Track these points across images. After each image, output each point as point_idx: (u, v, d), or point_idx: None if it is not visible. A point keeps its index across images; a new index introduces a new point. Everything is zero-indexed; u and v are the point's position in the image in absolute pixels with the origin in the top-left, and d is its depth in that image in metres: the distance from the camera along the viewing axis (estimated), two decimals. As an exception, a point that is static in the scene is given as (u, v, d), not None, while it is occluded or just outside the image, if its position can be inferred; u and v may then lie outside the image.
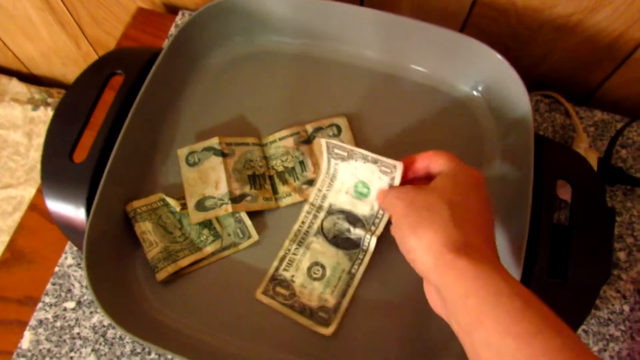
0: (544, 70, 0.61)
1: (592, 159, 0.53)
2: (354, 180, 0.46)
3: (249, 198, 0.46)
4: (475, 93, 0.52)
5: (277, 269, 0.45)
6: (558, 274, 0.42)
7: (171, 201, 0.46)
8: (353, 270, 0.45)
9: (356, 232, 0.46)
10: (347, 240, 0.46)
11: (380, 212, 0.45)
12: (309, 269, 0.45)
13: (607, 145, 0.54)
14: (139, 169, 0.48)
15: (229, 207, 0.45)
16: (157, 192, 0.47)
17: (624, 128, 0.53)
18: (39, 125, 0.98)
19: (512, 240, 0.43)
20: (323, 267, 0.45)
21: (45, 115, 0.98)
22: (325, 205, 0.47)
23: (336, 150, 0.45)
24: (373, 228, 0.45)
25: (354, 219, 0.46)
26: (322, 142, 0.45)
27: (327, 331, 0.43)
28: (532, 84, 0.62)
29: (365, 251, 0.45)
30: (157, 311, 0.44)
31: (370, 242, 0.45)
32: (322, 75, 0.53)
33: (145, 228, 0.45)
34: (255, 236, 0.46)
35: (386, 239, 0.46)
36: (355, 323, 0.44)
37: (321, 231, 0.46)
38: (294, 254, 0.46)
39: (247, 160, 0.48)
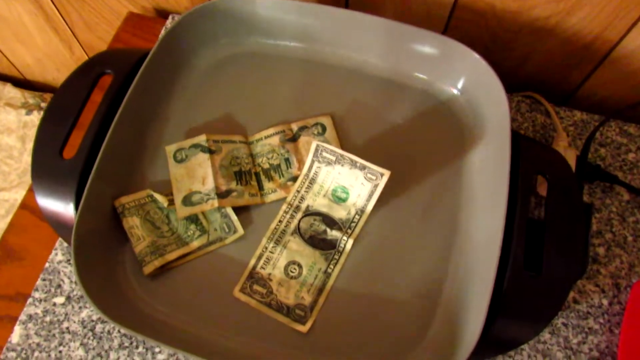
0: (525, 72, 0.62)
1: (571, 157, 0.54)
2: (334, 185, 0.48)
3: (235, 194, 0.47)
4: (455, 92, 0.53)
5: (254, 267, 0.46)
6: (533, 266, 0.43)
7: (159, 197, 0.48)
8: (329, 270, 0.46)
9: (333, 234, 0.47)
10: (323, 241, 0.47)
11: (357, 216, 0.47)
12: (286, 267, 0.46)
13: (584, 144, 0.55)
14: (127, 165, 0.49)
15: (215, 202, 0.46)
16: (145, 188, 0.49)
17: (600, 126, 0.55)
18: (32, 130, 0.99)
19: (490, 232, 0.44)
20: (300, 266, 0.46)
21: (39, 119, 0.99)
22: (303, 206, 0.48)
23: (324, 154, 0.47)
24: (349, 231, 0.47)
25: (330, 222, 0.47)
26: (312, 144, 0.46)
27: (304, 328, 0.44)
28: (514, 85, 0.64)
29: (341, 252, 0.47)
30: (145, 304, 0.45)
31: (347, 244, 0.47)
32: (307, 76, 0.55)
33: (133, 223, 0.46)
34: (241, 231, 0.47)
35: (363, 240, 0.47)
36: (332, 318, 0.45)
37: (298, 231, 0.47)
38: (271, 252, 0.47)
39: (234, 157, 0.49)
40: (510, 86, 0.48)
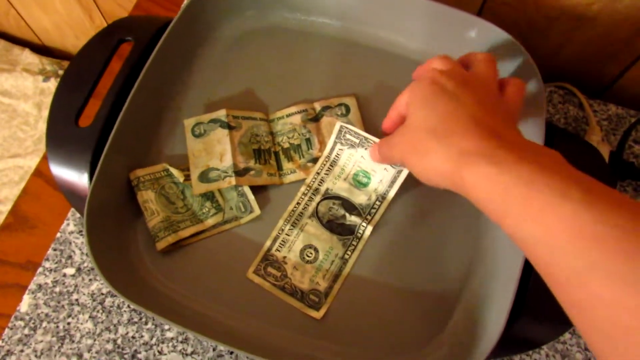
0: (559, 61, 0.59)
1: (604, 152, 0.52)
2: (356, 168, 0.46)
3: (252, 172, 0.46)
4: (488, 79, 0.51)
5: (269, 249, 0.45)
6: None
7: (175, 172, 0.46)
8: (346, 256, 0.44)
9: (351, 219, 0.45)
10: (341, 226, 0.45)
11: (377, 202, 0.45)
12: (302, 251, 0.45)
13: (620, 140, 0.53)
14: (144, 137, 0.47)
15: (233, 180, 0.45)
16: (161, 161, 0.47)
17: (637, 122, 0.52)
18: (49, 97, 0.98)
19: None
20: (316, 250, 0.45)
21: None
22: (322, 189, 0.47)
23: (347, 136, 0.45)
24: (369, 217, 0.45)
25: (350, 207, 0.46)
26: (336, 125, 0.44)
27: (317, 314, 0.43)
28: (547, 74, 0.61)
29: (360, 238, 0.45)
30: (156, 280, 0.44)
31: (366, 230, 0.45)
32: (333, 54, 0.53)
33: (147, 197, 0.45)
34: (257, 211, 0.46)
35: (382, 228, 0.46)
36: (347, 306, 0.43)
37: (316, 214, 0.46)
38: (287, 234, 0.45)
39: (253, 135, 0.48)
40: (543, 75, 0.46)
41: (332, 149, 0.47)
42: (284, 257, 0.45)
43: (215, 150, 0.46)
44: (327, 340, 0.42)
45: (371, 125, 0.49)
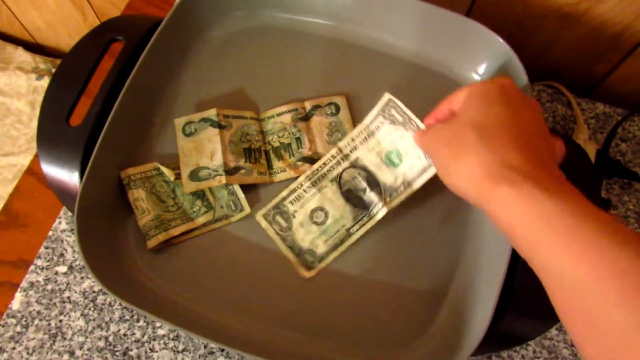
0: (548, 60, 0.60)
1: (591, 151, 0.53)
2: (391, 146, 0.45)
3: (243, 171, 0.46)
4: (476, 77, 0.51)
5: (284, 199, 0.46)
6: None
7: (166, 170, 0.46)
8: (352, 230, 0.45)
9: (370, 196, 0.45)
10: (358, 199, 0.45)
11: (402, 187, 0.44)
12: (313, 211, 0.45)
13: (606, 138, 0.53)
14: (135, 136, 0.48)
15: (223, 179, 0.45)
16: (152, 160, 0.48)
17: (623, 120, 0.53)
18: (42, 95, 0.98)
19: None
20: (326, 214, 0.45)
21: (49, 85, 0.98)
22: (352, 156, 0.46)
23: (392, 111, 0.44)
24: (388, 199, 0.44)
25: (373, 182, 0.45)
26: (385, 95, 0.44)
27: (307, 274, 0.44)
28: (536, 74, 0.61)
29: (371, 217, 0.44)
30: (146, 278, 0.44)
31: (380, 211, 0.44)
32: (323, 54, 0.53)
33: (138, 195, 0.45)
34: (247, 209, 0.46)
35: (378, 224, 0.46)
36: (339, 301, 0.44)
37: (338, 180, 0.46)
38: (305, 191, 0.46)
39: (244, 134, 0.48)
40: (532, 74, 0.46)
41: (374, 120, 0.45)
42: (295, 211, 0.45)
43: (206, 149, 0.47)
44: (315, 337, 0.43)
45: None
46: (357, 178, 0.45)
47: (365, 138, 0.46)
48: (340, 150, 0.46)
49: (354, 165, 0.46)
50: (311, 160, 0.48)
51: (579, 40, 0.56)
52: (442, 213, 0.47)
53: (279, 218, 0.45)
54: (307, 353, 0.42)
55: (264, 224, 0.45)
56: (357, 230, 0.45)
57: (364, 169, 0.45)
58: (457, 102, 0.37)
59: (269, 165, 0.48)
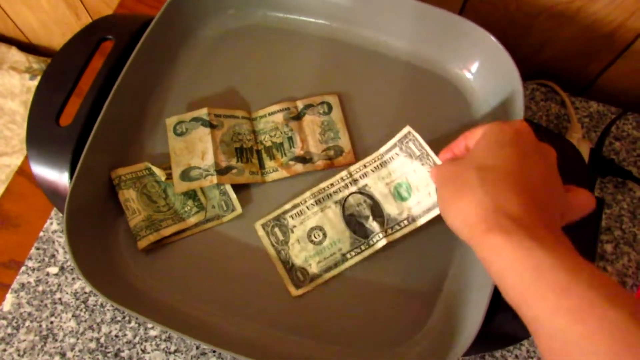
0: (541, 59, 0.60)
1: (585, 150, 0.53)
2: (402, 179, 0.45)
3: (235, 171, 0.46)
4: (468, 76, 0.51)
5: (285, 212, 0.46)
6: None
7: (157, 170, 0.46)
8: (348, 255, 0.44)
9: (372, 225, 0.44)
10: (359, 226, 0.45)
11: (405, 221, 0.44)
12: (312, 229, 0.45)
13: (599, 136, 0.53)
14: (125, 136, 0.47)
15: (214, 179, 0.45)
16: (143, 160, 0.47)
17: (617, 119, 0.53)
18: (36, 95, 0.97)
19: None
20: (325, 235, 0.45)
21: (43, 85, 0.97)
22: (361, 183, 0.46)
23: (410, 144, 0.44)
24: (390, 231, 0.44)
25: (377, 212, 0.45)
26: (405, 128, 0.45)
27: (295, 292, 0.43)
28: (530, 72, 0.61)
29: (370, 246, 0.44)
30: (137, 279, 0.44)
31: (379, 242, 0.44)
32: (315, 53, 0.53)
33: (129, 196, 0.45)
34: (239, 209, 0.46)
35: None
36: (330, 302, 0.44)
37: (342, 203, 0.45)
38: (308, 208, 0.46)
39: (236, 133, 0.48)
40: (526, 73, 0.46)
41: (389, 150, 0.46)
42: (294, 226, 0.45)
43: (197, 149, 0.46)
44: (307, 338, 0.42)
45: (354, 124, 0.50)
46: (362, 205, 0.45)
47: (378, 167, 0.46)
48: (350, 174, 0.46)
49: (361, 191, 0.46)
50: (303, 159, 0.48)
51: (572, 38, 0.56)
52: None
53: (277, 230, 0.45)
54: (299, 354, 0.41)
55: (260, 232, 0.45)
56: (353, 257, 0.44)
57: (371, 197, 0.45)
58: (472, 139, 0.37)
59: (261, 165, 0.48)
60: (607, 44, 0.55)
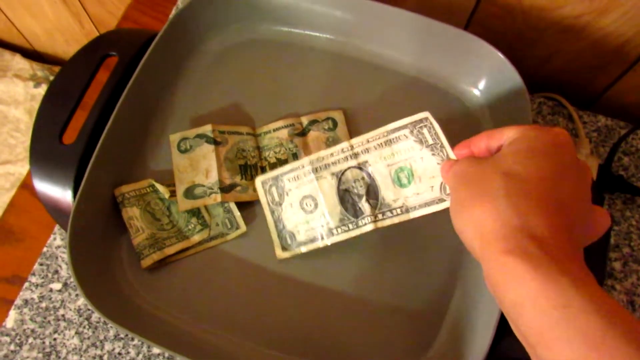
0: (548, 71, 0.59)
1: (593, 166, 0.52)
2: (406, 164, 0.41)
3: (239, 188, 0.46)
4: (475, 92, 0.51)
5: (284, 173, 0.45)
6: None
7: (160, 187, 0.46)
8: (335, 232, 0.43)
9: (364, 205, 0.42)
10: (351, 204, 0.43)
11: (398, 210, 0.41)
12: (305, 197, 0.44)
13: (609, 152, 0.52)
14: (129, 153, 0.47)
15: (218, 197, 0.44)
16: (147, 177, 0.47)
17: (627, 135, 0.52)
18: (40, 104, 0.97)
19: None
20: (316, 205, 0.43)
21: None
22: (362, 158, 0.43)
23: (424, 131, 0.40)
24: (380, 217, 0.41)
25: (372, 193, 0.42)
26: (423, 113, 0.41)
27: (280, 254, 0.44)
28: (536, 85, 0.61)
29: (357, 227, 0.42)
30: (140, 298, 0.44)
31: (367, 226, 0.42)
32: (320, 68, 0.52)
33: (132, 214, 0.45)
34: (243, 227, 0.45)
35: (371, 244, 0.45)
36: (336, 322, 0.43)
37: (339, 176, 0.43)
38: (304, 174, 0.44)
39: (240, 150, 0.47)
40: (532, 86, 0.45)
41: (398, 129, 0.42)
42: (289, 190, 0.44)
43: (201, 166, 0.46)
44: (310, 358, 0.42)
45: (358, 139, 0.49)
46: (359, 182, 0.42)
47: (382, 144, 0.42)
48: (351, 146, 0.43)
49: (360, 167, 0.43)
50: (308, 177, 0.47)
51: (579, 52, 0.55)
52: (438, 232, 0.46)
53: (274, 190, 0.45)
54: (304, 375, 0.41)
55: (260, 189, 0.45)
56: (339, 234, 0.42)
57: (369, 175, 0.42)
58: (497, 140, 0.33)
59: (266, 182, 0.47)
60: (615, 58, 0.54)
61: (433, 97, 0.51)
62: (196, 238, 0.45)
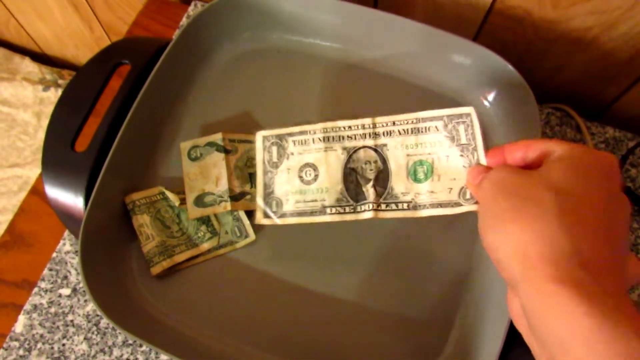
0: (557, 82, 0.59)
1: (601, 177, 0.52)
2: (427, 158, 0.38)
3: (248, 197, 0.46)
4: (485, 103, 0.51)
5: (291, 134, 0.41)
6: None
7: (171, 195, 0.46)
8: (328, 211, 0.39)
9: (368, 190, 0.38)
10: (355, 185, 0.39)
11: (404, 204, 0.37)
12: (307, 165, 0.40)
13: (618, 163, 0.53)
14: (140, 160, 0.47)
15: (228, 205, 0.45)
16: (157, 184, 0.47)
17: (636, 147, 0.52)
18: (48, 106, 0.98)
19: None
20: (316, 178, 0.40)
21: (56, 96, 0.98)
22: (381, 140, 0.39)
23: (460, 128, 0.37)
24: (383, 206, 0.38)
25: (381, 180, 0.38)
26: (466, 107, 0.38)
27: (260, 219, 0.41)
28: (545, 96, 0.61)
29: (355, 211, 0.39)
30: (149, 305, 0.44)
31: (365, 212, 0.38)
32: (331, 77, 0.53)
33: (142, 221, 0.45)
34: (252, 236, 0.46)
35: (377, 254, 0.45)
36: (342, 333, 0.43)
37: (350, 153, 0.39)
38: (313, 141, 0.40)
39: (250, 159, 0.48)
40: (540, 96, 0.45)
41: (430, 119, 0.38)
42: (291, 153, 0.41)
43: (211, 174, 0.46)
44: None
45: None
46: (370, 164, 0.39)
47: (407, 131, 0.38)
48: (374, 124, 0.39)
49: (377, 149, 0.39)
50: (317, 186, 0.47)
51: (589, 64, 0.55)
52: (445, 242, 0.46)
53: (274, 149, 0.41)
54: (312, 385, 0.41)
55: (259, 144, 0.42)
56: (332, 214, 0.39)
57: (383, 160, 0.38)
58: (536, 151, 0.30)
59: (275, 191, 0.47)
60: (624, 70, 0.54)
61: (442, 107, 0.51)
62: (205, 246, 0.45)
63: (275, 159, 0.41)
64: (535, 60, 0.57)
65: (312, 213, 0.39)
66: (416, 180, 0.38)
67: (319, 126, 0.40)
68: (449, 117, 0.38)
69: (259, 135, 0.42)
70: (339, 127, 0.40)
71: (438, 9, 0.56)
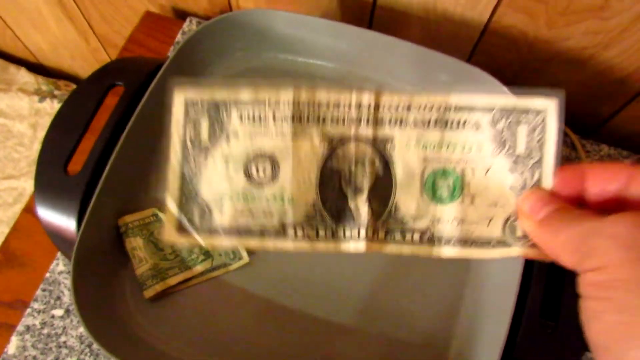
0: (552, 100, 0.59)
1: (596, 196, 0.52)
2: (456, 167, 0.26)
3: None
4: (479, 123, 0.51)
5: (237, 102, 0.27)
6: (551, 313, 0.41)
7: (164, 217, 0.46)
8: (290, 232, 0.26)
9: (359, 208, 0.26)
10: (338, 195, 0.26)
11: (416, 235, 0.26)
12: (260, 156, 0.27)
13: (612, 184, 0.52)
14: (133, 183, 0.47)
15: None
16: (150, 205, 0.47)
17: (631, 167, 0.52)
18: (44, 117, 0.97)
19: (507, 274, 0.42)
20: (274, 178, 0.26)
21: (52, 107, 0.98)
22: (384, 131, 0.27)
23: (520, 128, 0.25)
24: (380, 235, 0.26)
25: (380, 194, 0.26)
26: (548, 101, 0.28)
27: (171, 236, 0.28)
28: (540, 113, 0.61)
29: (334, 238, 0.26)
30: (142, 329, 0.44)
31: (354, 244, 0.26)
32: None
33: (135, 244, 0.45)
34: (245, 258, 0.45)
35: (370, 272, 0.45)
36: (338, 356, 0.43)
37: (334, 147, 0.26)
38: (274, 119, 0.26)
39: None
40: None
41: (473, 109, 0.26)
42: (235, 133, 0.27)
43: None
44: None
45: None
46: (364, 167, 0.26)
47: (429, 121, 0.26)
48: (376, 104, 0.27)
49: (376, 144, 0.26)
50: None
51: (583, 83, 0.55)
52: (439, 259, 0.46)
53: (204, 122, 0.26)
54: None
55: (179, 111, 0.27)
56: (296, 240, 0.26)
57: (385, 162, 0.26)
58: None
59: (269, 212, 0.47)
60: (620, 88, 0.54)
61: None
62: (199, 268, 0.45)
63: (204, 138, 0.26)
64: (530, 78, 0.57)
65: (262, 233, 0.26)
66: (435, 197, 0.26)
67: (287, 95, 0.26)
68: (507, 112, 0.26)
69: (179, 97, 0.27)
70: (320, 103, 0.26)
71: (433, 28, 0.56)
